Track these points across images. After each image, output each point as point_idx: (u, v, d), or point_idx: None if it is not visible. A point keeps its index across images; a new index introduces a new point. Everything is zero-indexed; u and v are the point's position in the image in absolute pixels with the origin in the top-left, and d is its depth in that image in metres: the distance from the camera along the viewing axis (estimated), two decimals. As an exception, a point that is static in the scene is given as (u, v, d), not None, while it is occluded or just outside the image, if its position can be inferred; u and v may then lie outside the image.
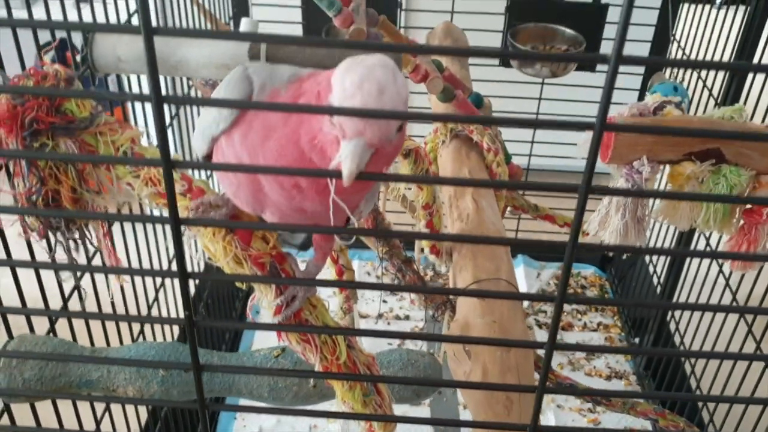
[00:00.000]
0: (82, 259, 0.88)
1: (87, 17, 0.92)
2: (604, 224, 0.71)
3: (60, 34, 0.80)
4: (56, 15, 0.82)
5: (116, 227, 0.93)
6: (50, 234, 0.58)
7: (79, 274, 0.70)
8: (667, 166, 0.69)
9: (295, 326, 0.51)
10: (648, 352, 1.55)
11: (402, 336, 0.42)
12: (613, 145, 0.66)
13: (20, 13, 0.72)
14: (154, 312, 1.14)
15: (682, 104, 0.71)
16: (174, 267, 1.23)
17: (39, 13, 0.77)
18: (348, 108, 0.36)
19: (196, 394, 0.46)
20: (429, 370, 0.71)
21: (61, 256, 0.60)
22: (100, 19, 0.92)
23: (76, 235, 0.59)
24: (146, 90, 1.15)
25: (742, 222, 0.71)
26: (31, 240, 0.60)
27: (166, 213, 0.55)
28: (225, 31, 0.94)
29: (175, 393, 0.70)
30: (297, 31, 1.57)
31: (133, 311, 1.06)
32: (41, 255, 0.65)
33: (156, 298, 1.16)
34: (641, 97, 1.57)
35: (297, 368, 0.69)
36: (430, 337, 0.43)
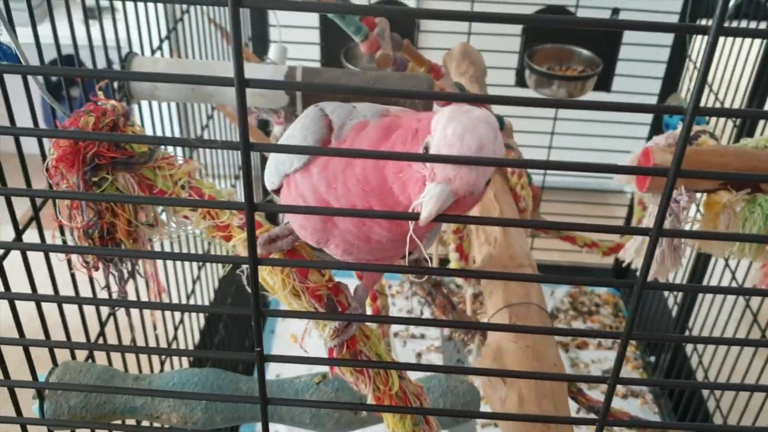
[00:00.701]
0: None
1: (96, 35, 0.90)
2: (641, 252, 0.72)
3: (65, 50, 0.78)
4: (63, 30, 0.80)
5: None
6: (103, 266, 0.59)
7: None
8: (704, 195, 0.70)
9: (351, 361, 0.52)
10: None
11: (449, 370, 0.42)
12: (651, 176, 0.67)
13: (24, 31, 0.69)
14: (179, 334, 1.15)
15: (714, 133, 0.73)
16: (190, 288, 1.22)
17: (44, 30, 0.75)
18: (442, 155, 0.37)
19: (262, 426, 0.47)
20: (468, 397, 0.71)
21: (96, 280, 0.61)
22: (110, 37, 0.92)
23: (129, 266, 0.60)
24: (165, 110, 1.16)
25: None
26: (74, 269, 0.61)
27: (220, 245, 0.56)
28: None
29: (218, 419, 0.70)
30: (315, 52, 1.58)
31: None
32: (81, 277, 0.66)
33: (182, 320, 1.17)
34: (656, 120, 1.58)
35: (338, 395, 0.69)
36: (491, 372, 0.44)
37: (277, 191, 0.51)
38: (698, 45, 1.43)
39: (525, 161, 0.38)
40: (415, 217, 0.39)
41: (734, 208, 0.69)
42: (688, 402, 1.42)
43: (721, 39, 1.16)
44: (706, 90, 1.36)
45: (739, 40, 1.28)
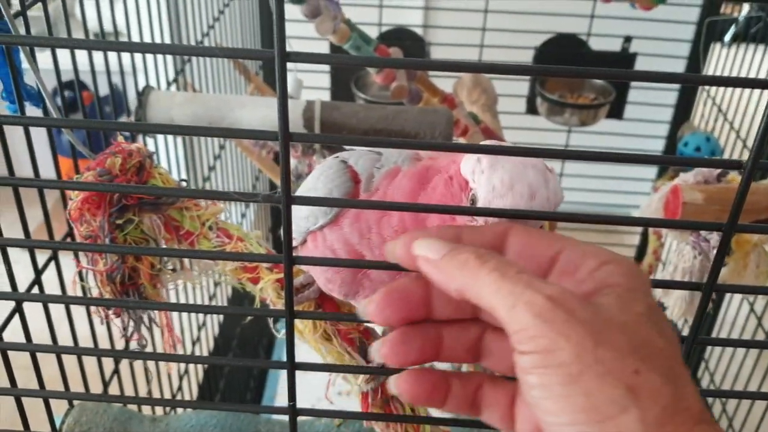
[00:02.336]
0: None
1: (112, 61, 0.88)
2: (668, 293, 0.71)
3: (82, 76, 0.77)
4: (80, 56, 0.78)
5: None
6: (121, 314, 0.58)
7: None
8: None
9: (383, 415, 0.51)
10: None
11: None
12: (681, 214, 0.66)
13: (43, 57, 0.67)
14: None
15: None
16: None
17: (62, 55, 0.73)
18: (495, 209, 0.36)
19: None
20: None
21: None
22: (126, 62, 0.91)
23: (146, 316, 0.59)
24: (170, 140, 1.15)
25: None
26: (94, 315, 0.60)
27: (229, 286, 0.55)
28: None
29: (238, 463, 0.68)
30: (324, 80, 1.58)
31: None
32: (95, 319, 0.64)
33: (187, 370, 1.15)
34: (668, 146, 1.58)
35: (361, 437, 0.68)
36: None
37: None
38: (713, 66, 1.42)
39: (575, 215, 0.37)
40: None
41: (764, 246, 0.68)
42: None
43: (738, 58, 1.13)
44: (720, 119, 1.36)
45: (755, 64, 1.28)
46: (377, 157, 0.45)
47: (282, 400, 1.55)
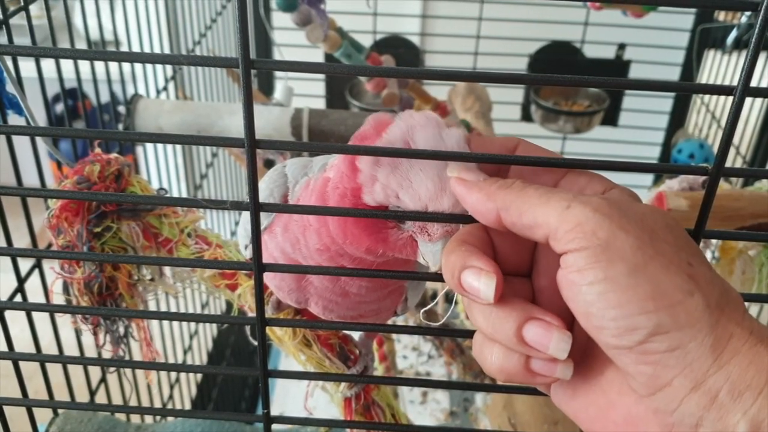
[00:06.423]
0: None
1: (100, 70, 0.89)
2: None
3: (69, 84, 0.77)
4: (67, 64, 0.78)
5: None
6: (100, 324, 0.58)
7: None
8: (719, 241, 0.69)
9: (366, 423, 0.50)
10: None
11: None
12: (666, 220, 0.65)
13: (28, 65, 0.66)
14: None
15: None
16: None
17: (48, 63, 0.73)
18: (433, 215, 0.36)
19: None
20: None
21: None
22: (114, 71, 0.92)
23: (122, 330, 0.59)
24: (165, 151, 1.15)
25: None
26: (75, 325, 0.59)
27: (221, 295, 0.55)
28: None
29: (222, 472, 0.68)
30: (318, 88, 1.58)
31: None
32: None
33: (178, 378, 1.15)
34: (663, 155, 1.57)
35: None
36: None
37: None
38: (707, 73, 1.42)
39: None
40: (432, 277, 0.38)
41: (749, 253, 0.68)
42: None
43: (730, 65, 1.14)
44: (714, 126, 1.36)
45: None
46: (307, 163, 0.45)
47: (277, 409, 1.55)
